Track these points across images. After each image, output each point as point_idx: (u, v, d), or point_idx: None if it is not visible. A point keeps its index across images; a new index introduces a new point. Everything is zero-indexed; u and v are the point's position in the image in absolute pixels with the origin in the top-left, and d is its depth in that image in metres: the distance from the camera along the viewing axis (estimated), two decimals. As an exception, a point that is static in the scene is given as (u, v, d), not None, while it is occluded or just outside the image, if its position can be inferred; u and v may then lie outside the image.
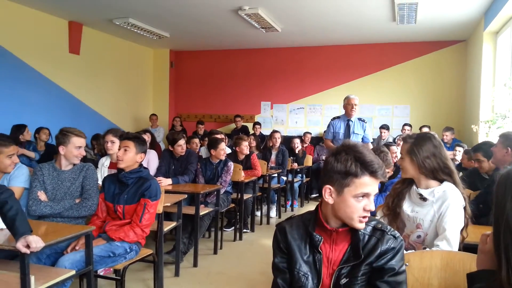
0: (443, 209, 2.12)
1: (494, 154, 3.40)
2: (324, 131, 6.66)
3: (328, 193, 1.52)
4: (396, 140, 6.97)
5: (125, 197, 2.94)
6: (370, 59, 8.90)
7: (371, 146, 5.40)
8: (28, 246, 2.05)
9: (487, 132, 5.60)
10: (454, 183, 2.19)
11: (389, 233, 1.53)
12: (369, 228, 1.55)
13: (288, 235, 1.58)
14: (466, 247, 2.38)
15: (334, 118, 5.50)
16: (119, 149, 3.04)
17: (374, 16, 6.85)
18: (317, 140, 8.68)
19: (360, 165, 1.47)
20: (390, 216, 2.28)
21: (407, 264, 1.67)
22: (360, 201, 1.48)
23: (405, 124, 7.92)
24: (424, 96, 8.63)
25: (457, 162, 5.56)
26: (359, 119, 5.43)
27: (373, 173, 1.47)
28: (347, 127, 5.33)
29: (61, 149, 3.04)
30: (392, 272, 1.48)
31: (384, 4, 6.20)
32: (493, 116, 5.67)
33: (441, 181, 2.20)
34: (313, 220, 1.58)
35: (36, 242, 2.08)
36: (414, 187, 2.25)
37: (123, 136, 3.13)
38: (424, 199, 2.18)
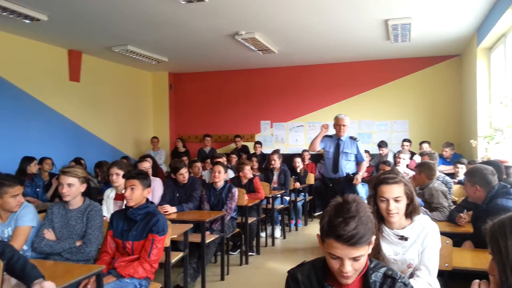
0: (426, 242, 2.13)
1: (467, 193, 3.41)
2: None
3: (319, 241, 1.56)
4: (396, 155, 7.01)
5: (134, 233, 2.99)
6: (368, 76, 9.02)
7: (365, 165, 5.54)
8: None
9: (486, 147, 5.66)
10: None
11: (399, 281, 1.55)
12: (379, 275, 1.56)
13: (301, 284, 1.61)
14: (455, 272, 2.44)
15: (325, 137, 5.46)
16: (125, 189, 3.08)
17: (368, 36, 6.97)
18: (317, 158, 8.73)
19: (328, 226, 1.46)
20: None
21: None
22: (334, 259, 1.47)
23: (405, 140, 7.96)
24: (422, 110, 8.72)
25: (458, 178, 5.59)
26: (351, 137, 5.42)
27: (337, 238, 1.42)
28: (337, 146, 5.35)
29: None
30: None
31: (377, 25, 6.32)
32: (491, 131, 5.74)
33: (412, 216, 2.19)
34: (323, 269, 1.60)
35: (50, 287, 2.12)
36: (386, 229, 2.18)
37: (127, 176, 3.17)
38: (405, 239, 2.15)
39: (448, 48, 7.84)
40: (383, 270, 1.58)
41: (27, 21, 5.71)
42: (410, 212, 2.17)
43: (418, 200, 2.22)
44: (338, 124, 5.34)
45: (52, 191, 5.91)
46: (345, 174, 5.31)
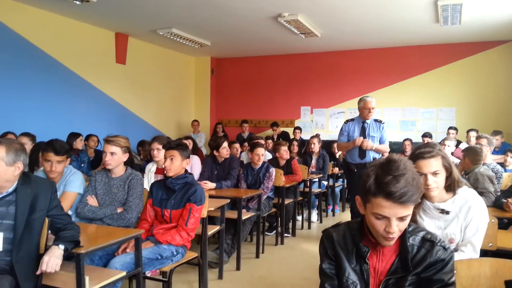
0: (470, 216, 2.06)
1: None
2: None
3: (359, 203, 1.52)
4: (441, 142, 6.76)
5: (172, 202, 3.06)
6: (413, 62, 8.71)
7: (387, 149, 5.13)
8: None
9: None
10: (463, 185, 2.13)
11: (439, 244, 1.49)
12: (418, 239, 1.51)
13: (336, 243, 1.59)
14: (498, 252, 2.33)
15: (347, 121, 5.09)
16: (165, 159, 3.15)
17: (416, 19, 6.71)
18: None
19: (376, 184, 1.40)
20: None
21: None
22: (380, 219, 1.43)
23: (450, 128, 7.64)
24: (471, 98, 8.34)
25: (508, 168, 5.31)
26: (376, 120, 5.02)
27: (388, 196, 1.37)
28: (362, 129, 4.93)
29: None
30: (441, 284, 1.45)
31: (426, 6, 6.07)
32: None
33: (454, 189, 2.10)
34: (360, 230, 1.57)
35: (51, 264, 2.14)
36: (427, 203, 2.11)
37: (167, 146, 3.23)
38: (447, 212, 2.08)
39: (502, 32, 7.41)
40: (422, 234, 1.53)
41: (77, 2, 5.92)
42: (449, 185, 2.09)
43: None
44: (366, 107, 4.86)
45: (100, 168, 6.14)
46: (372, 159, 4.99)
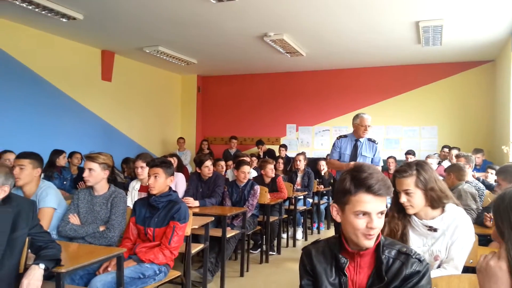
0: (456, 235, 2.09)
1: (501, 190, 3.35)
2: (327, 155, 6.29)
3: (335, 212, 1.57)
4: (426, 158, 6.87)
5: (156, 220, 3.04)
6: (396, 81, 8.90)
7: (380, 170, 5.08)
8: None
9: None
10: (451, 201, 2.17)
11: (414, 257, 1.52)
12: (393, 252, 1.54)
13: (314, 258, 1.61)
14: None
15: (340, 137, 4.85)
16: (149, 177, 3.14)
17: (399, 38, 6.88)
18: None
19: (354, 182, 1.49)
20: None
21: None
22: (360, 218, 1.48)
23: (444, 146, 7.80)
24: (452, 116, 8.53)
25: (489, 183, 5.41)
26: (369, 139, 4.78)
27: (368, 189, 1.46)
28: (354, 148, 4.68)
29: None
30: None
31: (408, 27, 6.24)
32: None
33: (440, 206, 2.15)
34: (338, 243, 1.59)
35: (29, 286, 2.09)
36: (415, 219, 2.16)
37: (151, 164, 3.23)
38: (434, 230, 2.11)
39: (481, 53, 7.64)
40: (397, 247, 1.56)
41: (64, 19, 5.93)
42: (433, 202, 2.13)
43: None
44: (362, 125, 4.63)
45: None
46: None
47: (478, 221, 3.59)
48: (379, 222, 1.49)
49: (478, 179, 4.98)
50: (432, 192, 2.13)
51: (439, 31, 6.21)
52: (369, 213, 1.47)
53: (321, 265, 1.59)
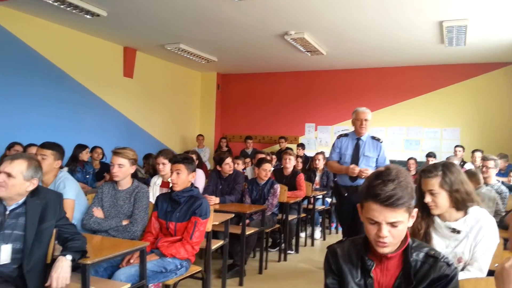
0: (480, 236, 2.07)
1: None
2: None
3: (359, 212, 1.56)
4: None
5: (177, 215, 3.08)
6: (418, 81, 8.77)
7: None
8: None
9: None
10: (476, 204, 2.14)
11: (442, 260, 1.50)
12: (421, 255, 1.53)
13: (340, 258, 1.60)
14: None
15: (340, 136, 4.42)
16: (171, 173, 3.18)
17: (421, 39, 6.78)
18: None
19: (366, 188, 1.48)
20: None
21: None
22: (371, 224, 1.47)
23: (457, 146, 7.67)
24: (475, 118, 8.37)
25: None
26: (373, 137, 4.26)
27: (374, 198, 1.43)
28: (356, 147, 4.22)
29: None
30: None
31: (432, 27, 6.14)
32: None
33: (465, 208, 2.13)
34: (364, 244, 1.59)
35: (61, 280, 2.15)
36: (439, 221, 2.15)
37: (173, 160, 3.27)
38: (458, 231, 2.10)
39: (506, 53, 7.48)
40: (425, 250, 1.54)
41: (88, 16, 6.03)
42: (458, 204, 2.10)
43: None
44: (358, 119, 4.18)
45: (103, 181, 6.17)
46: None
47: (502, 225, 3.52)
48: (392, 233, 1.45)
49: (502, 183, 4.88)
50: (457, 194, 2.11)
51: (463, 31, 6.10)
52: (378, 223, 1.45)
53: (347, 266, 1.59)
